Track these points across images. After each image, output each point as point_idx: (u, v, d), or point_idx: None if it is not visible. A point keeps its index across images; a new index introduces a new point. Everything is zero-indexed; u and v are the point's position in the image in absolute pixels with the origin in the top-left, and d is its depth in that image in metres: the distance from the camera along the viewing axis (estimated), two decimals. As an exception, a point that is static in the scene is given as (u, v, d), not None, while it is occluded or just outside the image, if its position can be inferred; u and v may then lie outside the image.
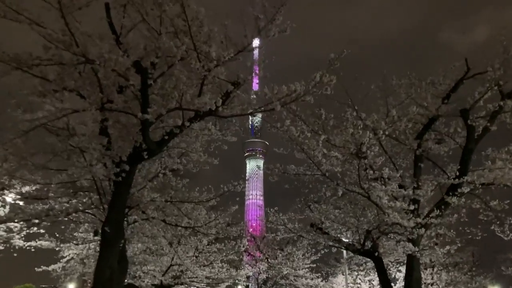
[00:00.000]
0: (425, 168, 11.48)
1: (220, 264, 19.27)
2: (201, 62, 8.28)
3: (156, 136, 9.85)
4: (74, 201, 12.39)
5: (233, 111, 9.00)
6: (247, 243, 23.33)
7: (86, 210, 12.44)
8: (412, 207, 9.25)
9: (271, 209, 13.90)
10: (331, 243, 12.93)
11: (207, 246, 19.85)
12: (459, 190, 9.90)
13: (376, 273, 36.48)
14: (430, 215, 9.83)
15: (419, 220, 9.55)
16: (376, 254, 11.96)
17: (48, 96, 8.94)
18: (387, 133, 8.82)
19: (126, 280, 20.69)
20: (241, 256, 25.83)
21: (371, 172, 9.07)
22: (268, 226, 14.17)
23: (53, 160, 11.18)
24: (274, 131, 9.91)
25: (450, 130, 10.99)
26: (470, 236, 10.67)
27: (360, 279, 37.22)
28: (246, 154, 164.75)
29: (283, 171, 10.27)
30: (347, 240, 12.69)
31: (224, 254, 19.23)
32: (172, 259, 18.83)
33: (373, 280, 37.06)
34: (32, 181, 10.61)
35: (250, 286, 31.84)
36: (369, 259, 30.55)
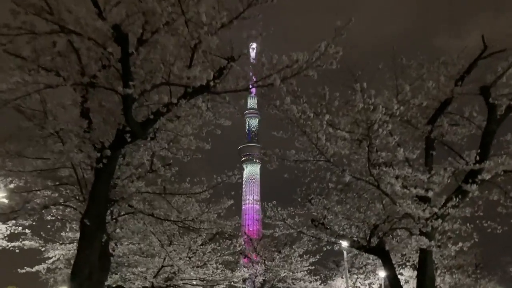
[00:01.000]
0: (437, 156, 10.50)
1: (214, 265, 18.19)
2: (189, 28, 7.27)
3: (141, 117, 8.84)
4: (53, 193, 11.37)
5: (227, 86, 8.00)
6: (243, 243, 22.30)
7: (67, 204, 11.41)
8: (430, 194, 8.22)
9: (269, 204, 12.88)
10: (333, 240, 11.88)
11: (201, 246, 18.80)
12: (479, 177, 8.91)
13: (375, 276, 35.63)
14: (448, 204, 8.83)
15: (435, 209, 8.55)
16: (384, 250, 10.96)
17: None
18: (399, 112, 7.79)
19: (115, 282, 19.77)
20: (237, 257, 24.78)
21: (383, 154, 8.05)
22: (265, 222, 13.09)
23: (29, 147, 10.17)
24: (272, 112, 8.90)
25: (465, 113, 10.01)
26: (490, 230, 9.63)
27: (360, 282, 36.24)
28: (243, 159, 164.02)
29: (282, 158, 9.23)
30: (353, 237, 11.67)
31: (219, 254, 18.15)
32: (164, 259, 17.76)
33: (373, 284, 36.11)
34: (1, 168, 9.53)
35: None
36: (369, 261, 29.81)
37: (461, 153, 9.63)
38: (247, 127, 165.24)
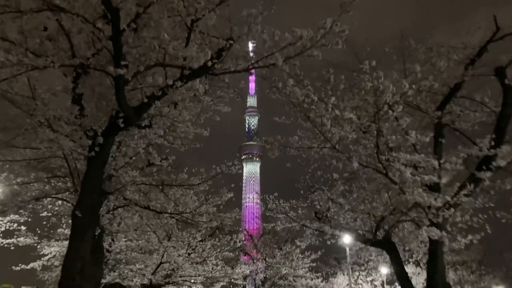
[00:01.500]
0: (445, 145, 9.99)
1: (214, 261, 17.68)
2: (185, 2, 6.77)
3: (135, 102, 8.34)
4: (45, 186, 10.88)
5: (225, 67, 7.49)
6: (243, 239, 21.80)
7: (60, 196, 10.93)
8: (444, 180, 7.69)
9: (270, 196, 12.37)
10: (338, 233, 11.37)
11: (201, 242, 18.32)
12: (493, 164, 8.40)
13: (378, 273, 35.06)
14: (461, 193, 8.31)
15: (447, 198, 8.04)
16: (391, 243, 10.47)
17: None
18: (410, 92, 7.24)
19: (113, 280, 19.31)
20: (237, 253, 24.29)
21: (393, 138, 7.52)
22: (267, 214, 12.60)
23: (19, 136, 9.66)
24: (274, 97, 8.38)
25: (477, 98, 9.50)
26: (504, 220, 9.12)
27: (361, 279, 35.80)
28: (243, 157, 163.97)
29: (284, 145, 8.70)
30: (358, 230, 11.17)
31: (219, 250, 17.64)
32: (162, 256, 17.28)
33: (376, 280, 35.68)
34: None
35: (247, 287, 30.25)
36: (372, 258, 29.32)
37: (473, 140, 9.11)
38: (246, 126, 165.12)
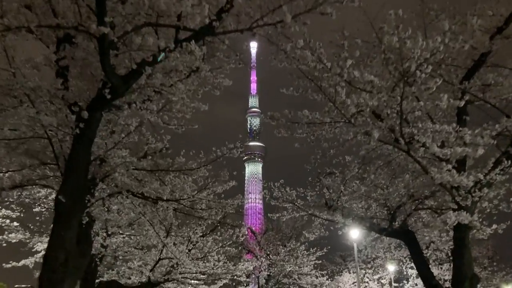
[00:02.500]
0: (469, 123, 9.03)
1: (216, 257, 16.68)
2: None
3: (123, 70, 7.38)
4: (28, 171, 9.90)
5: (225, 26, 6.53)
6: (246, 232, 20.82)
7: (44, 183, 9.95)
8: (480, 151, 6.66)
9: (275, 184, 11.36)
10: (350, 222, 10.37)
11: (202, 238, 17.34)
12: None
13: (385, 270, 34.00)
14: (496, 170, 7.33)
15: (480, 176, 7.05)
16: (409, 232, 9.50)
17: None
18: (441, 49, 6.20)
19: (111, 278, 18.40)
20: (240, 248, 23.31)
21: (420, 103, 6.46)
22: (272, 204, 11.61)
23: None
24: (280, 66, 7.38)
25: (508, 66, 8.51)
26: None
27: (368, 277, 34.79)
28: (245, 157, 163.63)
29: (292, 121, 7.71)
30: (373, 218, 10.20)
31: (221, 244, 16.65)
32: (161, 252, 16.30)
33: (383, 278, 34.65)
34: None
35: (250, 285, 29.30)
36: (379, 255, 28.27)
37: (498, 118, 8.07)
38: (248, 126, 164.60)
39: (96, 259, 15.35)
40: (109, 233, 14.77)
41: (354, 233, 20.87)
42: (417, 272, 30.43)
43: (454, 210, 7.67)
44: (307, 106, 7.72)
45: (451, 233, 9.28)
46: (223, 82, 8.10)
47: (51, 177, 9.58)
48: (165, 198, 9.12)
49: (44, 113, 7.49)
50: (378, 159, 9.07)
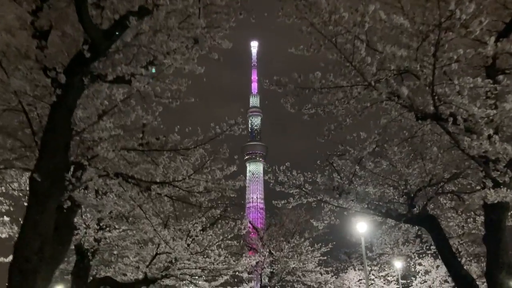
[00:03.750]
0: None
1: (216, 251, 15.65)
2: None
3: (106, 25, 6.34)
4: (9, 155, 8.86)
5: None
6: (248, 225, 19.80)
7: (26, 166, 8.92)
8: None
9: (281, 167, 10.27)
10: (364, 207, 9.31)
11: (202, 232, 16.34)
12: None
13: (391, 267, 32.88)
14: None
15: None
16: (431, 217, 8.46)
17: None
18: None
19: (103, 273, 17.43)
20: (241, 242, 22.27)
21: (460, 51, 5.35)
22: (277, 190, 10.53)
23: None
24: (288, 22, 6.34)
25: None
26: None
27: (373, 274, 33.74)
28: (246, 157, 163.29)
29: (302, 86, 6.65)
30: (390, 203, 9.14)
31: (221, 238, 15.61)
32: (158, 246, 15.28)
33: (388, 276, 33.59)
34: None
35: (253, 282, 28.25)
36: (387, 250, 27.23)
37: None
38: (249, 126, 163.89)
39: (89, 253, 14.39)
40: (102, 225, 13.79)
41: (361, 227, 19.83)
42: (425, 269, 29.37)
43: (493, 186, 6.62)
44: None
45: (478, 218, 8.26)
46: (222, 43, 7.06)
47: (30, 157, 8.54)
48: (158, 181, 8.07)
49: (14, 77, 6.47)
50: (398, 134, 8.01)
